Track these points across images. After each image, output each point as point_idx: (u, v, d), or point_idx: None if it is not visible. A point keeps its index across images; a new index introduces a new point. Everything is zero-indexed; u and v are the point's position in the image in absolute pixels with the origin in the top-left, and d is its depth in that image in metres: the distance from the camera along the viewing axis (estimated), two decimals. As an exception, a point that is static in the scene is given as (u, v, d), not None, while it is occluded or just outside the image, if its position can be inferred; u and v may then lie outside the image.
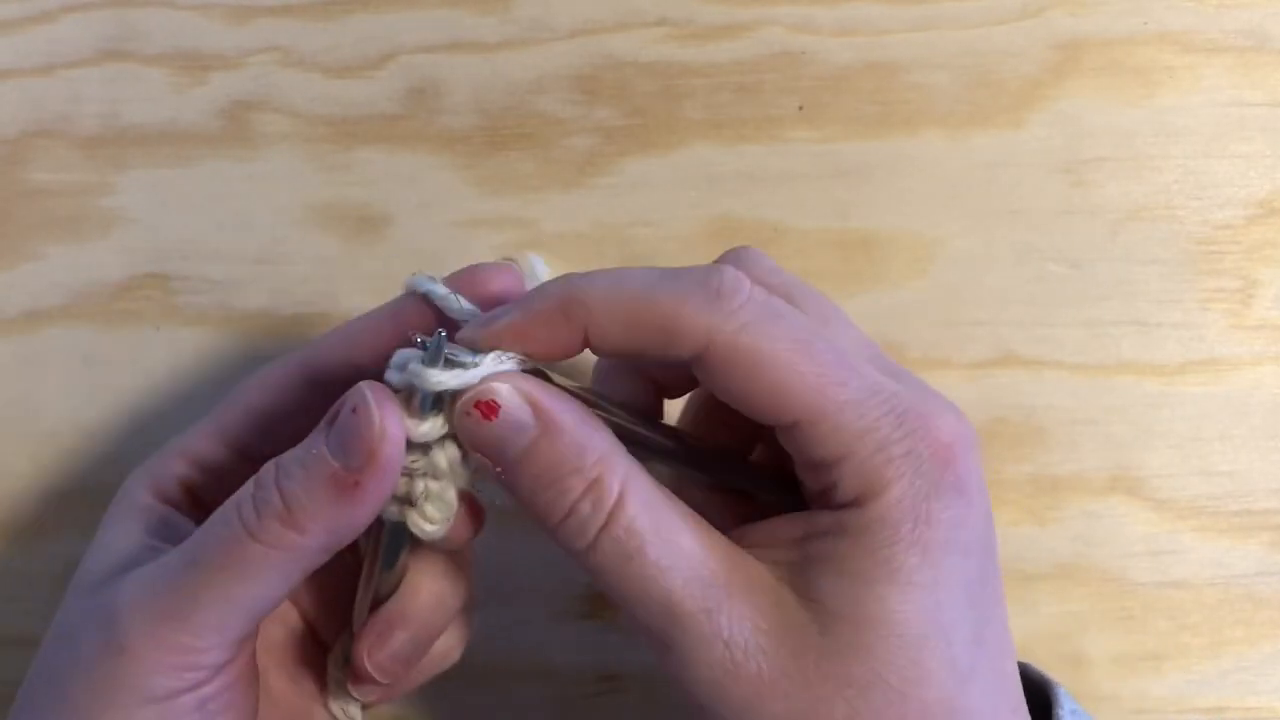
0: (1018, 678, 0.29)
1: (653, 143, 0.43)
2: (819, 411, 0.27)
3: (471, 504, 0.30)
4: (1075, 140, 0.43)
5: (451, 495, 0.29)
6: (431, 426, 0.28)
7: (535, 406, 0.28)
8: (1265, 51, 0.43)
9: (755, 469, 0.33)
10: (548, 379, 0.29)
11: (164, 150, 0.43)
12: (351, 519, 0.28)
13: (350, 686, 0.32)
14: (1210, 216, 0.42)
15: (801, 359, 0.27)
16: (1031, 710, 0.29)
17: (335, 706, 0.32)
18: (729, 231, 0.42)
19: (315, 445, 0.28)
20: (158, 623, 0.27)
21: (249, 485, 0.28)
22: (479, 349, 0.28)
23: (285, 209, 0.42)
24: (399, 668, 0.31)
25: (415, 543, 0.30)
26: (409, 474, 0.29)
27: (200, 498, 0.32)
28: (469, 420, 0.28)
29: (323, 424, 0.28)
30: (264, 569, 0.28)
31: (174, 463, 0.32)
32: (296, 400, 0.32)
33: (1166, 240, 0.42)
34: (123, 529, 0.31)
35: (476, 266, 0.31)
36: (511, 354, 0.28)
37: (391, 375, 0.28)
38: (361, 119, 0.43)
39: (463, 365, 0.28)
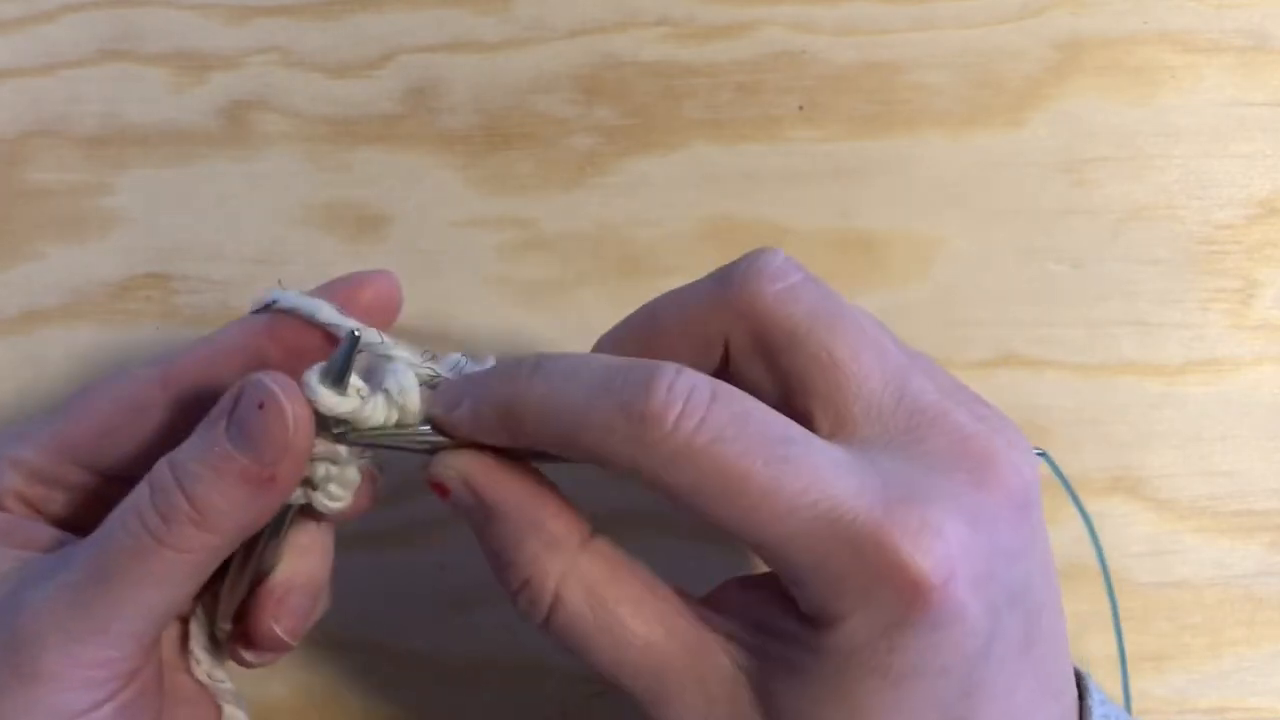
0: None
1: (653, 143, 0.43)
2: (759, 543, 0.26)
3: (369, 475, 0.31)
4: (1076, 140, 0.43)
5: (353, 473, 0.30)
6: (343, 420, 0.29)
7: (477, 492, 0.28)
8: (1265, 51, 0.43)
9: None
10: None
11: (163, 150, 0.43)
12: (264, 511, 0.28)
13: (244, 653, 0.32)
14: (1211, 216, 0.42)
15: (739, 487, 0.25)
16: None
17: (203, 674, 0.32)
18: (729, 231, 0.42)
19: (215, 443, 0.27)
20: (74, 643, 0.27)
21: (143, 491, 0.28)
22: (446, 434, 0.28)
23: (285, 209, 0.42)
24: (301, 627, 0.32)
25: (303, 514, 0.31)
26: (311, 458, 0.29)
27: (39, 509, 0.31)
28: (434, 492, 0.29)
29: (216, 419, 0.27)
30: (178, 572, 0.27)
31: (7, 474, 0.31)
32: (154, 418, 0.31)
33: (1167, 240, 0.42)
34: None
35: (347, 276, 0.31)
36: (419, 363, 0.29)
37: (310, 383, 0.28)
38: (361, 119, 0.43)
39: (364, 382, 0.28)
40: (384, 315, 0.31)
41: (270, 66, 0.43)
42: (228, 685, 0.32)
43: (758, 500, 0.25)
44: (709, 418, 0.25)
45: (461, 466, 0.28)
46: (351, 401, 0.28)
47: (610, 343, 0.31)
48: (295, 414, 0.27)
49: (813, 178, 0.43)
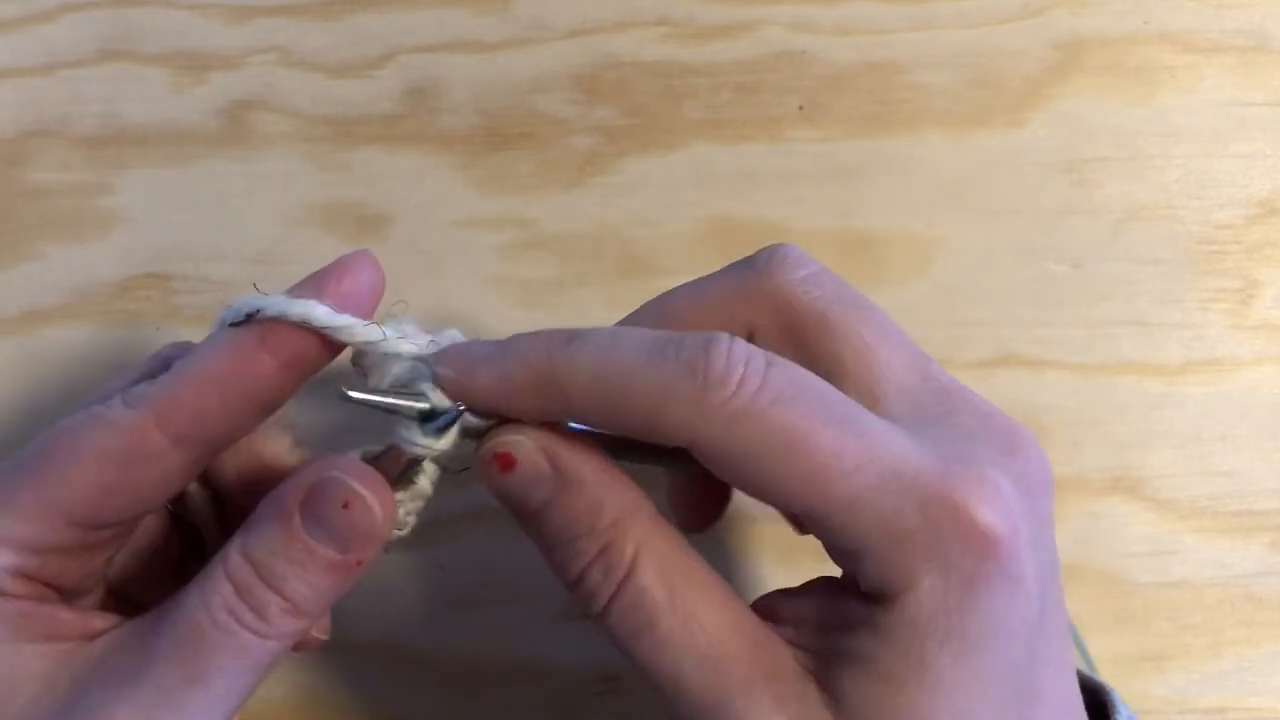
0: None
1: (653, 143, 0.43)
2: (824, 507, 0.25)
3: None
4: (1076, 140, 0.43)
5: (422, 503, 0.29)
6: (423, 485, 0.29)
7: (553, 460, 0.27)
8: (1265, 51, 0.43)
9: None
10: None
11: (163, 150, 0.43)
12: (349, 588, 0.28)
13: None
14: (1211, 216, 0.42)
15: (802, 447, 0.25)
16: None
17: None
18: (729, 231, 0.42)
19: (294, 538, 0.27)
20: None
21: (225, 587, 0.27)
22: (458, 398, 0.27)
23: (285, 209, 0.42)
24: (329, 625, 0.32)
25: None
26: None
27: (46, 581, 0.29)
28: (488, 470, 0.27)
29: (288, 512, 0.27)
30: (273, 656, 0.28)
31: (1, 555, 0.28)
32: (158, 466, 0.28)
33: (1167, 240, 0.42)
34: None
35: (328, 268, 0.29)
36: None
37: (402, 438, 0.28)
38: (361, 119, 0.43)
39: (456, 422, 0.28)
40: (371, 299, 0.30)
41: (270, 66, 0.43)
42: None
43: (822, 461, 0.25)
44: (770, 379, 0.25)
45: (535, 435, 0.27)
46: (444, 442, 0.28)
47: None
48: (382, 508, 0.27)
49: (813, 178, 0.43)
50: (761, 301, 0.29)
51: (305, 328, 0.28)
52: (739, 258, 0.31)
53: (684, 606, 0.26)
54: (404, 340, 0.29)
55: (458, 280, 0.42)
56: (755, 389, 0.25)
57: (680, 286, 0.31)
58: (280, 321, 0.28)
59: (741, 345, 0.26)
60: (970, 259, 0.42)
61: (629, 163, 0.43)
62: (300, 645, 0.31)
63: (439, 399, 0.27)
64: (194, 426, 0.28)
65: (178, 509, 0.33)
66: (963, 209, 0.42)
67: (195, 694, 0.26)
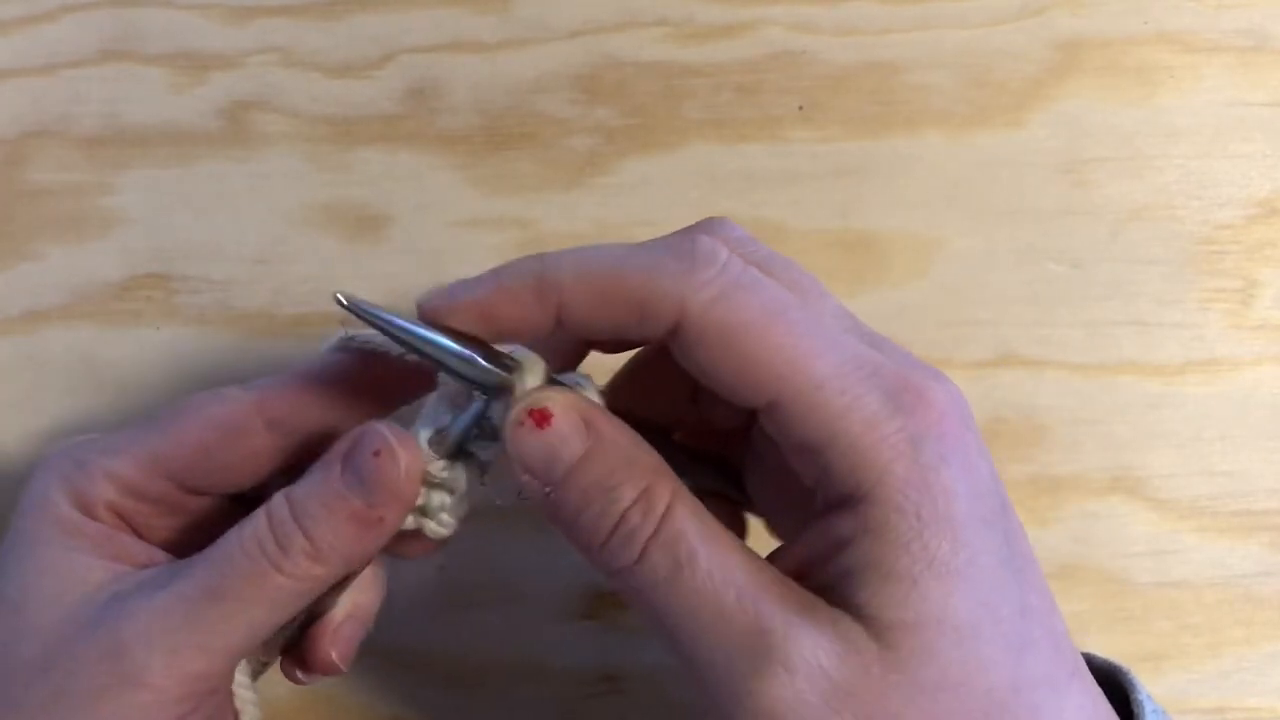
0: (1066, 634, 0.28)
1: (653, 143, 0.43)
2: (795, 388, 0.26)
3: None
4: (1075, 140, 0.43)
5: (465, 504, 0.31)
6: (451, 468, 0.30)
7: (587, 419, 0.28)
8: (1265, 51, 0.43)
9: (730, 470, 0.33)
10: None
11: (164, 150, 0.43)
12: (371, 549, 0.29)
13: (298, 673, 0.33)
14: (1211, 216, 0.42)
15: (776, 330, 0.26)
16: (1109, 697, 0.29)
17: (243, 701, 0.33)
18: (729, 231, 0.42)
19: (331, 484, 0.29)
20: (180, 655, 0.28)
21: (261, 520, 0.29)
22: (444, 322, 0.29)
23: (285, 209, 0.42)
24: (352, 653, 0.33)
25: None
26: (428, 484, 0.30)
27: (129, 521, 0.32)
28: (520, 430, 0.28)
29: (332, 461, 0.29)
30: (287, 597, 0.29)
31: (101, 485, 0.31)
32: (249, 442, 0.32)
33: (1167, 240, 0.42)
34: (61, 548, 0.31)
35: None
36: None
37: (424, 425, 0.30)
38: (361, 119, 0.43)
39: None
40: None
41: (270, 66, 0.43)
42: (258, 713, 0.33)
43: (795, 340, 0.26)
44: (748, 269, 0.27)
45: (570, 395, 0.28)
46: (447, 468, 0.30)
47: None
48: (407, 463, 0.29)
49: (813, 178, 0.43)
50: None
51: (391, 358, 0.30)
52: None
53: (720, 546, 0.27)
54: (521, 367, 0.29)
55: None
56: (739, 270, 0.27)
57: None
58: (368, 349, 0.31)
59: (720, 242, 0.28)
60: (970, 259, 0.42)
61: (629, 163, 0.43)
62: (321, 668, 0.33)
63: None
64: (288, 415, 0.32)
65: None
66: (963, 209, 0.42)
67: (210, 608, 0.28)
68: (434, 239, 0.42)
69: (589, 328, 0.28)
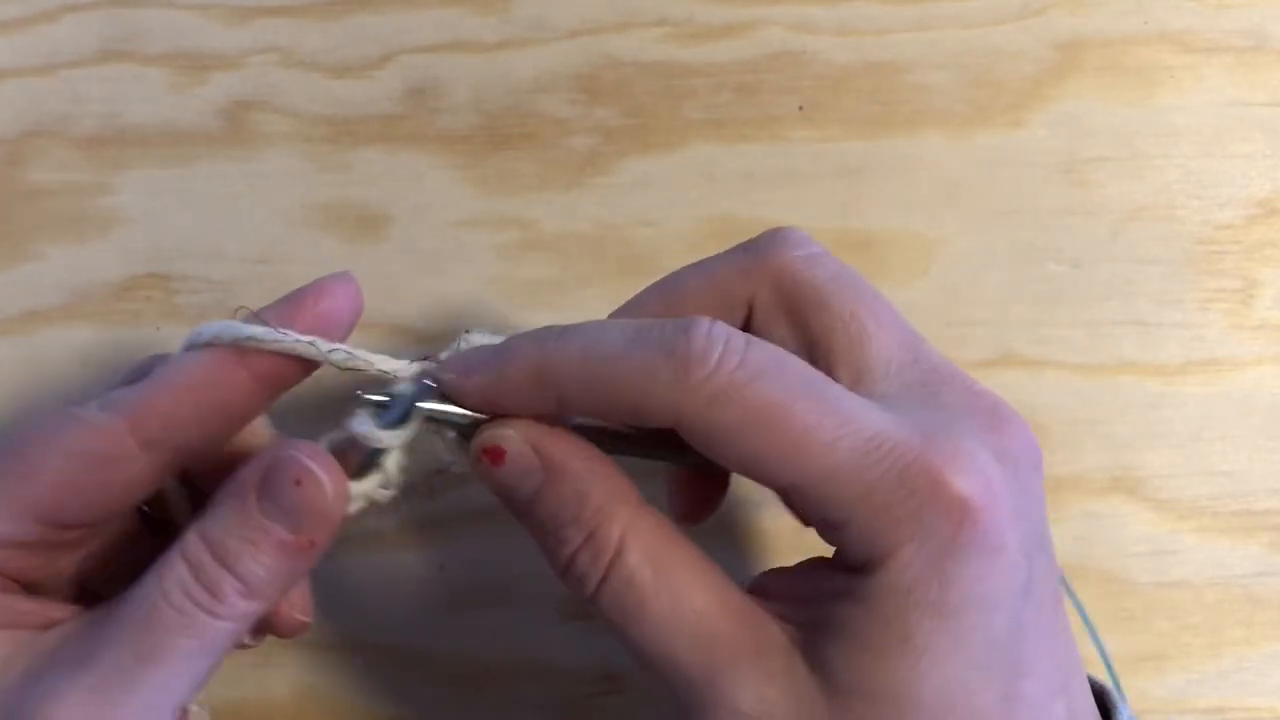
0: (1072, 716, 0.27)
1: (653, 143, 0.43)
2: (805, 479, 0.26)
3: None
4: (1075, 140, 0.43)
5: (399, 474, 0.30)
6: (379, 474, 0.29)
7: (540, 452, 0.28)
8: (1265, 51, 0.43)
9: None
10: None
11: (163, 150, 0.43)
12: (305, 570, 0.28)
13: (258, 637, 0.32)
14: (1211, 216, 0.42)
15: (781, 421, 0.26)
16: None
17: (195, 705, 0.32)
18: (729, 231, 0.42)
19: (248, 517, 0.27)
20: None
21: (179, 567, 0.27)
22: (463, 405, 0.28)
23: (285, 209, 0.42)
24: (310, 600, 0.32)
25: None
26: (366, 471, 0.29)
27: (17, 578, 0.29)
28: (479, 468, 0.28)
29: (244, 492, 0.27)
30: (227, 639, 0.28)
31: None
32: (127, 468, 0.29)
33: (1167, 240, 0.42)
34: None
35: (306, 288, 0.30)
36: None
37: (338, 435, 0.29)
38: (361, 119, 0.43)
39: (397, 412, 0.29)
40: (349, 320, 0.31)
41: (270, 66, 0.43)
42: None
43: (801, 434, 0.26)
44: (748, 358, 0.26)
45: (522, 429, 0.28)
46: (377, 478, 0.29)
47: (630, 309, 0.32)
48: (333, 487, 0.27)
49: (813, 178, 0.43)
50: (761, 278, 0.30)
51: (279, 352, 0.29)
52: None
53: (671, 587, 0.27)
54: (381, 357, 0.29)
55: (458, 280, 0.42)
56: (734, 366, 0.26)
57: (686, 266, 0.32)
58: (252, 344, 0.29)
59: (721, 326, 0.26)
60: (970, 259, 0.42)
61: (629, 163, 0.43)
62: (284, 629, 0.32)
63: (404, 389, 0.29)
64: (165, 433, 0.29)
65: (155, 509, 0.33)
66: (963, 209, 0.42)
67: (148, 673, 0.27)
68: (434, 239, 0.42)
69: (593, 417, 0.28)
